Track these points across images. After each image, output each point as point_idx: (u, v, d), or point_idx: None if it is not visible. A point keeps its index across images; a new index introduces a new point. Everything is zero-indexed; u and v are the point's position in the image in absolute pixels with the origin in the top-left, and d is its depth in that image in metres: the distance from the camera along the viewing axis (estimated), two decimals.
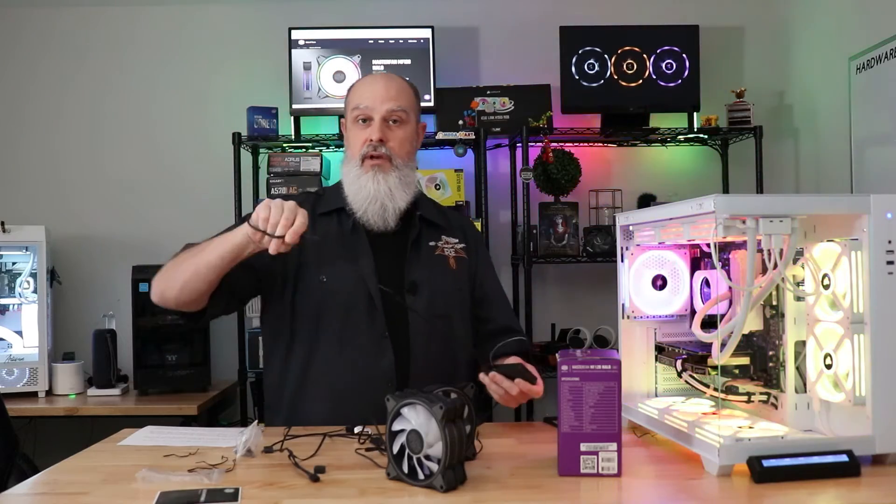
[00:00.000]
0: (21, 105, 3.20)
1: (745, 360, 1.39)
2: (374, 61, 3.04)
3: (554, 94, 3.09)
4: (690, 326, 1.51)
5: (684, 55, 3.03)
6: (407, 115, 1.70)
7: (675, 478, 1.20)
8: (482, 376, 1.43)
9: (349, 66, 3.03)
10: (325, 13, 3.19)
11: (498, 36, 3.26)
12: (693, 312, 1.56)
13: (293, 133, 3.02)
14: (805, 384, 1.30)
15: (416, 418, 1.13)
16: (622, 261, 1.58)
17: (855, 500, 1.10)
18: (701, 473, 1.20)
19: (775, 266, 1.22)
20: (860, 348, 1.20)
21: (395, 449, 1.16)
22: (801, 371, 1.30)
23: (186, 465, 1.26)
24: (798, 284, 1.31)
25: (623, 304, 1.56)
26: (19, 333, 2.85)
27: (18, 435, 2.00)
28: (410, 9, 3.21)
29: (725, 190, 3.20)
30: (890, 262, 1.19)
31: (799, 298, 1.30)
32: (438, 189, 2.93)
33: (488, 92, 3.13)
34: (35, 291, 2.84)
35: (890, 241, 1.20)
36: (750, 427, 1.32)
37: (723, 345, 1.30)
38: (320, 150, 3.06)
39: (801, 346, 1.30)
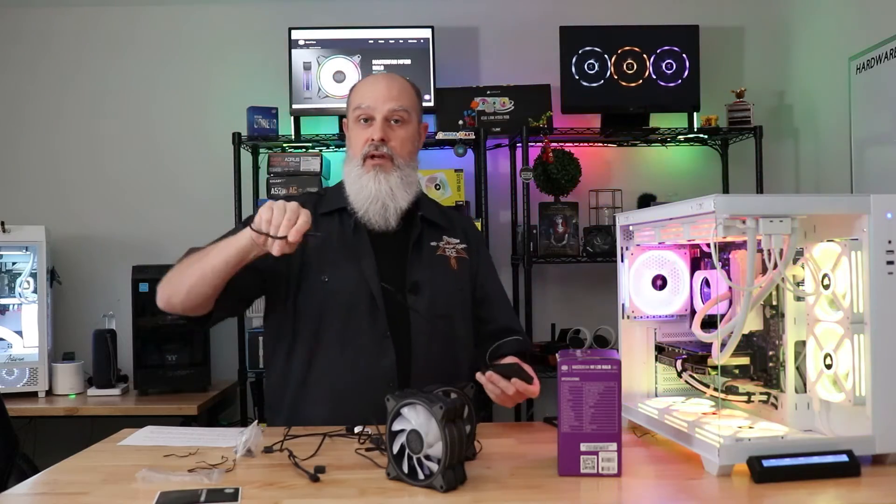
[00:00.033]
0: (21, 105, 3.20)
1: (745, 360, 1.39)
2: (374, 61, 3.04)
3: (554, 94, 3.09)
4: (690, 326, 1.51)
5: (684, 55, 3.03)
6: (409, 115, 1.71)
7: (675, 478, 1.20)
8: (479, 375, 1.43)
9: (349, 66, 3.03)
10: (325, 13, 3.19)
11: (498, 36, 3.26)
12: (693, 312, 1.56)
13: (293, 133, 3.02)
14: (805, 384, 1.30)
15: (416, 418, 1.13)
16: (622, 261, 1.58)
17: (855, 500, 1.10)
18: (701, 473, 1.20)
19: (775, 266, 1.21)
20: (860, 348, 1.20)
21: (395, 449, 1.16)
22: (801, 371, 1.30)
23: (186, 465, 1.26)
24: (798, 284, 1.31)
25: (623, 304, 1.56)
26: (19, 333, 2.85)
27: (18, 435, 2.00)
28: (410, 9, 3.21)
29: (725, 190, 3.20)
30: (890, 262, 1.19)
31: (799, 298, 1.30)
32: (438, 189, 2.93)
33: (488, 92, 3.13)
34: (35, 291, 2.84)
35: (890, 241, 1.20)
36: (750, 427, 1.32)
37: (723, 345, 1.30)
38: (320, 150, 3.06)
39: (801, 346, 1.30)
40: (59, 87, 3.21)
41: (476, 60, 3.27)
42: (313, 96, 3.01)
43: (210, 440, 1.44)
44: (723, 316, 1.39)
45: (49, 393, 2.80)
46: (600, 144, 3.21)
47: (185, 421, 2.60)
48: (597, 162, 3.22)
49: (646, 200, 3.06)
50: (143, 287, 2.77)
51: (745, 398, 1.39)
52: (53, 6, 3.20)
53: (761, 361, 1.37)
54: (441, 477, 1.10)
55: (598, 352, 1.25)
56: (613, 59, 3.02)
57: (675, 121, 3.11)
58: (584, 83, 3.01)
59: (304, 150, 3.05)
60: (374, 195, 1.65)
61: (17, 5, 3.18)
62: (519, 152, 3.00)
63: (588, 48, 3.01)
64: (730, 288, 1.42)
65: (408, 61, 3.04)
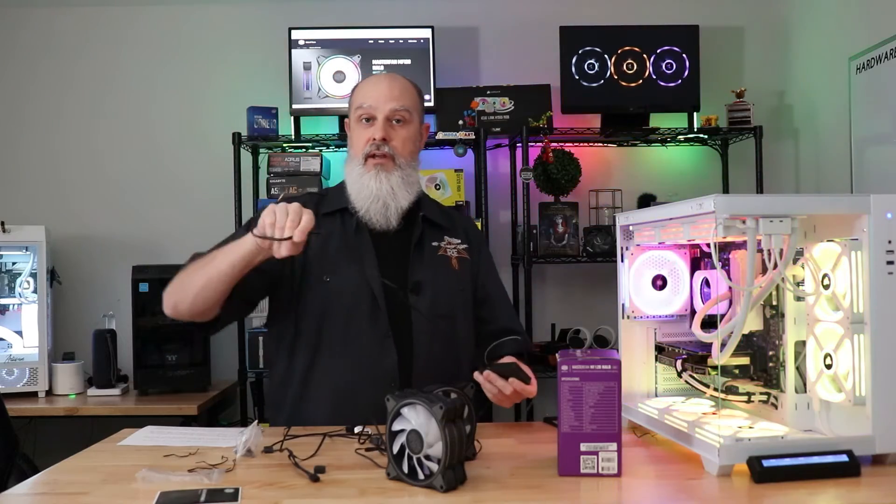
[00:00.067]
0: (21, 105, 3.20)
1: (745, 360, 1.39)
2: (374, 61, 3.04)
3: (554, 94, 3.09)
4: (690, 326, 1.51)
5: (684, 55, 3.03)
6: (410, 115, 1.71)
7: (675, 478, 1.20)
8: (477, 374, 1.44)
9: (349, 66, 3.03)
10: (325, 13, 3.19)
11: (498, 36, 3.26)
12: (693, 312, 1.56)
13: (293, 133, 3.02)
14: (805, 384, 1.30)
15: (416, 418, 1.13)
16: (622, 261, 1.58)
17: (855, 500, 1.10)
18: (701, 473, 1.20)
19: (775, 266, 1.21)
20: (860, 348, 1.20)
21: (395, 449, 1.16)
22: (801, 371, 1.30)
23: (186, 465, 1.26)
24: (798, 284, 1.31)
25: (623, 304, 1.56)
26: (19, 333, 2.85)
27: (18, 435, 2.00)
28: (410, 9, 3.21)
29: (725, 190, 3.20)
30: (890, 262, 1.19)
31: (799, 298, 1.30)
32: (438, 189, 2.93)
33: (488, 92, 3.13)
34: (35, 291, 2.84)
35: (890, 241, 1.20)
36: (750, 427, 1.32)
37: (723, 345, 1.30)
38: (320, 150, 3.06)
39: (801, 346, 1.30)
40: (59, 87, 3.21)
41: (476, 60, 3.27)
42: (313, 96, 3.01)
43: (210, 440, 1.44)
44: (723, 316, 1.39)
45: (49, 393, 2.80)
46: (600, 144, 3.21)
47: (185, 421, 2.60)
48: (597, 162, 3.22)
49: (646, 200, 3.06)
50: (143, 287, 2.78)
51: (745, 398, 1.39)
52: (54, 6, 3.20)
53: (761, 361, 1.37)
54: (441, 477, 1.10)
55: (598, 352, 1.25)
56: (613, 59, 3.02)
57: (675, 121, 3.11)
58: (584, 83, 3.01)
59: (304, 150, 3.05)
60: (376, 194, 1.66)
61: (18, 5, 3.18)
62: (519, 152, 3.00)
63: (588, 48, 3.01)
64: (730, 288, 1.42)
65: (408, 61, 3.04)
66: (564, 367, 1.19)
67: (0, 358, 2.79)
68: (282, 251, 1.36)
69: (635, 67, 3.02)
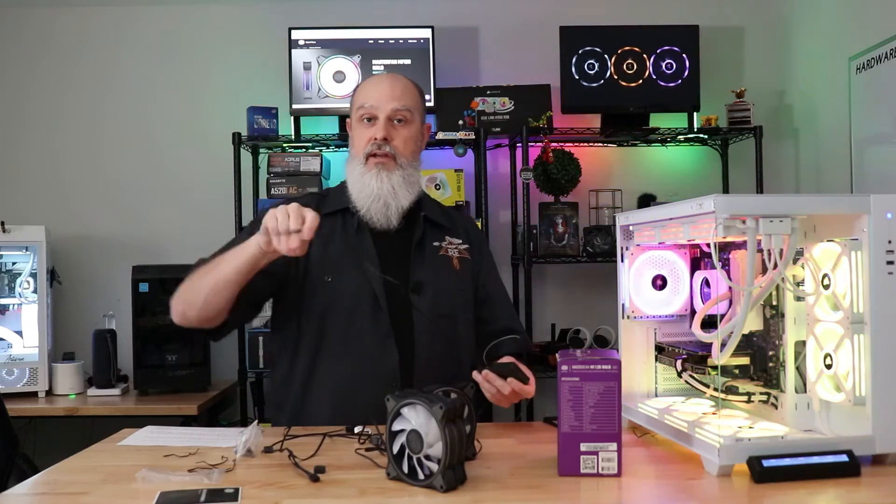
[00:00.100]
0: (21, 105, 3.20)
1: (745, 360, 1.39)
2: (374, 61, 3.03)
3: (554, 94, 3.09)
4: (690, 326, 1.51)
5: (684, 55, 3.03)
6: (411, 115, 1.71)
7: (675, 478, 1.20)
8: (475, 374, 1.44)
9: (349, 66, 3.03)
10: (325, 13, 3.19)
11: (498, 36, 3.26)
12: (693, 312, 1.56)
13: (293, 133, 3.02)
14: (805, 384, 1.30)
15: (416, 418, 1.13)
16: (622, 261, 1.58)
17: (855, 500, 1.10)
18: (701, 473, 1.20)
19: (775, 266, 1.21)
20: (860, 348, 1.20)
21: (395, 449, 1.16)
22: (801, 371, 1.30)
23: (186, 465, 1.26)
24: (798, 284, 1.31)
25: (623, 304, 1.56)
26: (19, 333, 2.85)
27: (18, 435, 2.00)
28: (410, 9, 3.21)
29: (725, 190, 3.20)
30: (890, 262, 1.19)
31: (799, 298, 1.30)
32: (438, 189, 2.93)
33: (488, 92, 3.13)
34: (35, 291, 2.84)
35: (890, 241, 1.20)
36: (750, 427, 1.32)
37: (723, 345, 1.30)
38: (320, 150, 3.06)
39: (801, 346, 1.30)
40: (59, 87, 3.21)
41: (476, 60, 3.27)
42: (313, 96, 3.01)
43: (210, 440, 1.44)
44: (723, 316, 1.39)
45: (49, 393, 2.80)
46: (600, 144, 3.21)
47: (185, 421, 2.60)
48: (597, 162, 3.22)
49: (646, 200, 3.06)
50: (143, 287, 2.78)
51: (745, 398, 1.39)
52: (54, 6, 3.20)
53: (761, 361, 1.37)
54: (441, 477, 1.10)
55: (598, 352, 1.25)
56: (613, 59, 3.02)
57: (675, 121, 3.11)
58: (584, 83, 3.01)
59: (304, 150, 3.05)
60: (377, 193, 1.66)
61: (18, 5, 3.18)
62: (519, 152, 3.00)
63: (588, 48, 3.01)
64: (730, 288, 1.42)
65: (408, 61, 3.04)
66: (564, 367, 1.19)
67: (0, 358, 2.79)
68: (289, 248, 1.36)
69: (635, 67, 3.02)
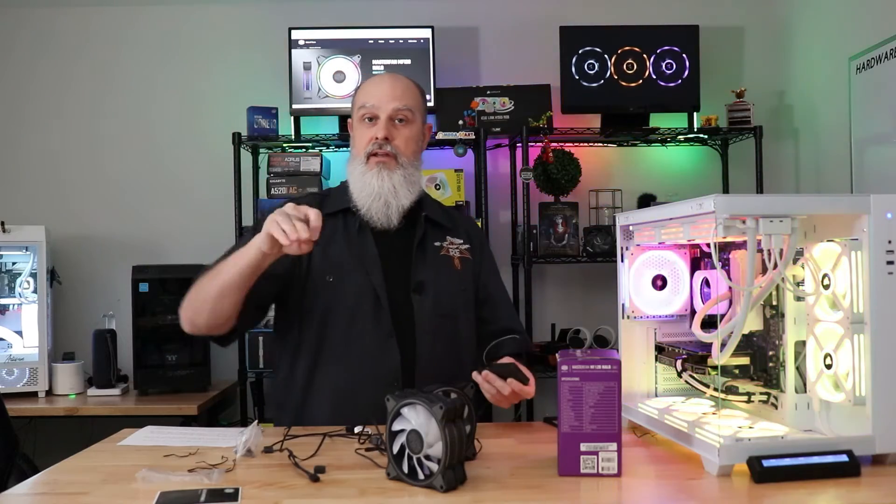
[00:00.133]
0: (21, 105, 3.20)
1: (745, 360, 1.39)
2: (374, 61, 3.03)
3: (554, 94, 3.09)
4: (690, 326, 1.51)
5: (684, 55, 3.03)
6: (413, 115, 1.71)
7: (675, 478, 1.20)
8: (475, 375, 1.44)
9: (349, 66, 3.02)
10: (325, 13, 3.19)
11: (498, 36, 3.26)
12: (693, 312, 1.56)
13: (293, 133, 3.02)
14: (805, 384, 1.30)
15: (416, 418, 1.13)
16: (622, 261, 1.58)
17: (855, 500, 1.10)
18: (701, 473, 1.20)
19: (775, 266, 1.21)
20: (860, 348, 1.20)
21: (395, 449, 1.16)
22: (801, 371, 1.30)
23: (186, 465, 1.26)
24: (798, 284, 1.31)
25: (623, 304, 1.56)
26: (19, 333, 2.85)
27: (18, 435, 2.00)
28: (410, 9, 3.21)
29: (725, 190, 3.20)
30: (890, 262, 1.19)
31: (799, 298, 1.30)
32: (438, 189, 2.93)
33: (488, 92, 3.13)
34: (35, 291, 2.84)
35: (890, 241, 1.20)
36: (750, 427, 1.32)
37: (723, 345, 1.30)
38: (320, 150, 3.06)
39: (801, 346, 1.30)
40: (58, 87, 3.21)
41: (476, 60, 3.27)
42: (313, 96, 3.01)
43: (210, 440, 1.44)
44: (723, 316, 1.39)
45: (49, 393, 2.80)
46: (600, 144, 3.21)
47: (185, 421, 2.60)
48: (597, 162, 3.22)
49: (646, 200, 3.06)
50: (143, 287, 2.78)
51: (745, 398, 1.39)
52: (53, 6, 3.20)
53: (761, 361, 1.37)
54: (441, 477, 1.10)
55: (598, 352, 1.25)
56: (613, 59, 3.02)
57: (675, 121, 3.11)
58: (584, 83, 3.01)
59: (304, 150, 3.05)
60: (377, 192, 1.66)
61: (17, 5, 3.18)
62: (519, 152, 3.00)
63: (588, 48, 3.01)
64: (730, 288, 1.42)
65: (408, 61, 3.03)
66: (564, 367, 1.19)
67: (0, 358, 2.79)
68: (304, 247, 1.36)
69: (635, 67, 3.02)
